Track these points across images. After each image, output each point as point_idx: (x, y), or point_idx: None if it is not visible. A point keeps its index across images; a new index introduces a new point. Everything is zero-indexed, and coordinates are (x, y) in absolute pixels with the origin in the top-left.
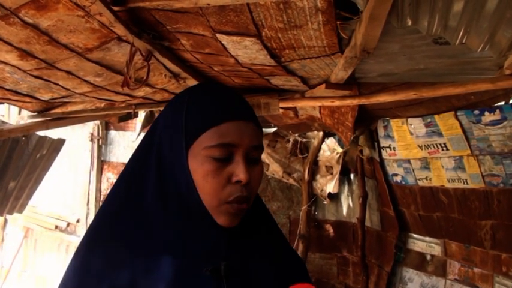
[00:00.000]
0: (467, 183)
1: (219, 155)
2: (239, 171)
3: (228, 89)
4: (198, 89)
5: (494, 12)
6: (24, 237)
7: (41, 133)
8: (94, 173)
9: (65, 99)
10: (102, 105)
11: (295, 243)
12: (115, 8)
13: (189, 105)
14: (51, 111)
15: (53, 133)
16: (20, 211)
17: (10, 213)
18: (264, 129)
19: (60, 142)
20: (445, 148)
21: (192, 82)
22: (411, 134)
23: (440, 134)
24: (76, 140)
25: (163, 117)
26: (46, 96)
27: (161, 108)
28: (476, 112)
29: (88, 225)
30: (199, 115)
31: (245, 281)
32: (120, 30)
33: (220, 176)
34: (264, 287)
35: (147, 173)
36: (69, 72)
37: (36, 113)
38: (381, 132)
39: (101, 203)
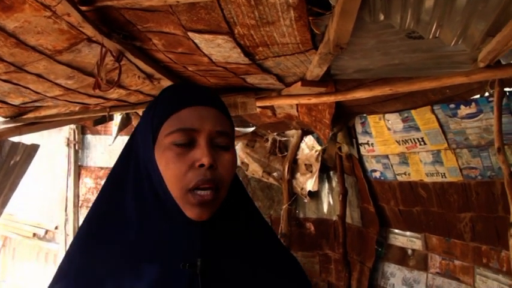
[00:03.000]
0: (445, 177)
1: (179, 140)
2: (201, 155)
3: (196, 84)
4: (167, 88)
5: (466, 6)
6: (2, 246)
7: (15, 139)
8: (71, 178)
9: (37, 104)
10: (77, 108)
11: None
12: (83, 8)
13: (156, 102)
14: (24, 117)
15: (28, 138)
16: None
17: None
18: (242, 129)
19: (34, 148)
20: (422, 143)
21: (166, 83)
22: (389, 129)
23: (417, 129)
24: (52, 145)
25: (140, 120)
26: (17, 101)
27: (137, 110)
28: (452, 106)
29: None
30: (162, 106)
31: (222, 278)
32: (89, 30)
33: (182, 162)
34: (242, 284)
35: (126, 176)
36: (39, 76)
37: (8, 119)
38: (359, 128)
39: (79, 209)
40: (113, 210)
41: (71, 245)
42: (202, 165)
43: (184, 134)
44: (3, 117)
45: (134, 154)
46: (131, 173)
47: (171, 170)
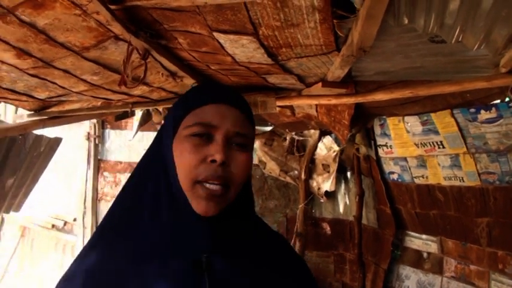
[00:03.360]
0: (463, 181)
1: (197, 131)
2: (214, 150)
3: (222, 84)
4: (195, 86)
5: (490, 11)
6: (21, 237)
7: (38, 132)
8: (91, 171)
9: (62, 98)
10: (99, 104)
11: (293, 241)
12: (112, 7)
13: (180, 101)
14: (48, 110)
15: (50, 132)
16: (17, 210)
17: (7, 212)
18: (260, 128)
19: (57, 141)
20: (441, 146)
21: (189, 81)
22: (407, 132)
23: (436, 132)
24: (73, 138)
25: (164, 120)
26: (43, 95)
27: (158, 107)
28: (472, 110)
29: (84, 225)
30: (185, 103)
31: (228, 275)
32: (117, 28)
33: (196, 154)
34: (248, 282)
35: (149, 173)
36: (66, 71)
37: (33, 112)
38: (378, 130)
39: (98, 202)
40: (134, 206)
41: (92, 237)
42: (214, 161)
43: (202, 127)
44: (28, 110)
45: (157, 151)
46: (153, 169)
47: (184, 159)
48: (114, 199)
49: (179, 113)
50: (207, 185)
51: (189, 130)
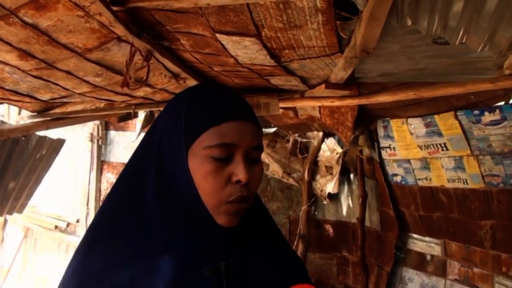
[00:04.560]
0: (467, 183)
1: (219, 154)
2: (239, 171)
3: (228, 89)
4: (198, 88)
5: (493, 12)
6: (24, 237)
7: (41, 133)
8: (94, 173)
9: (65, 100)
10: (102, 105)
11: (295, 243)
12: (115, 8)
13: (189, 104)
14: (51, 112)
15: (53, 133)
16: (20, 211)
17: (10, 213)
18: (263, 129)
19: (60, 142)
20: (444, 148)
21: (191, 82)
22: (411, 134)
23: (440, 134)
24: (76, 140)
25: (163, 117)
26: (46, 97)
27: (161, 109)
28: (476, 112)
29: (87, 226)
30: (199, 115)
31: (245, 281)
32: (119, 30)
33: (221, 176)
34: (264, 287)
35: (146, 173)
36: (68, 73)
37: (36, 113)
38: (381, 132)
39: (100, 203)
40: (130, 205)
41: (85, 236)
42: (239, 181)
43: (224, 149)
44: (31, 111)
45: (156, 151)
46: (152, 171)
47: (209, 183)
48: (104, 200)
49: (192, 127)
50: (236, 204)
51: (210, 151)
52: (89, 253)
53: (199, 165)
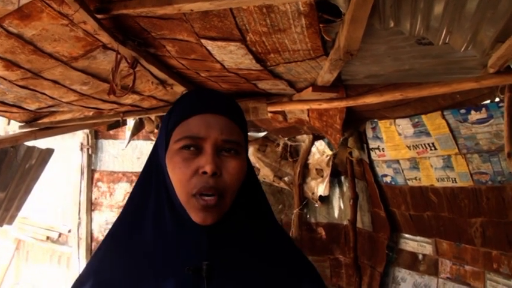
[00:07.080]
0: (456, 182)
1: (185, 145)
2: (204, 162)
3: (208, 89)
4: (185, 94)
5: (475, 12)
6: (15, 249)
7: (31, 143)
8: (85, 182)
9: (52, 109)
10: (91, 113)
11: None
12: (99, 16)
13: (172, 109)
14: (39, 121)
15: (43, 143)
16: (10, 223)
17: (0, 225)
18: (253, 134)
19: (49, 152)
20: (433, 148)
21: (179, 88)
22: (399, 134)
23: (428, 134)
24: (66, 149)
25: (159, 128)
26: (33, 106)
27: (150, 115)
28: (463, 111)
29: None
30: (174, 113)
31: (230, 282)
32: (104, 38)
33: (188, 168)
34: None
35: (150, 181)
36: (55, 82)
37: (24, 123)
38: (370, 133)
39: (92, 213)
40: (137, 216)
41: (100, 245)
42: (205, 173)
43: (190, 140)
44: (19, 122)
45: (155, 160)
46: (153, 179)
47: (176, 174)
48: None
49: (169, 126)
50: (203, 197)
51: (178, 144)
52: (95, 253)
53: (170, 159)
